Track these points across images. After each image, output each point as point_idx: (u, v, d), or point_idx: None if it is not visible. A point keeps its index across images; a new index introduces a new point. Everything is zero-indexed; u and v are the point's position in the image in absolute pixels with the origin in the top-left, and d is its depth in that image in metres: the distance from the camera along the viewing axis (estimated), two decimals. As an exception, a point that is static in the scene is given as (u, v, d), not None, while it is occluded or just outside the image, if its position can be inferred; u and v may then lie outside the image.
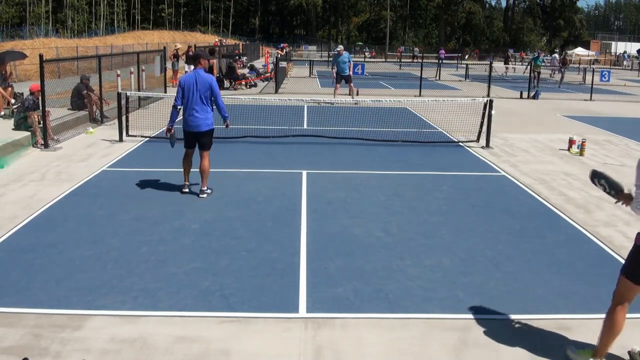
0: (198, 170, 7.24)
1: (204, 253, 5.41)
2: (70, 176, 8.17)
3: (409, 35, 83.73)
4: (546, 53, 55.32)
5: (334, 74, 17.73)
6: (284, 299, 4.50)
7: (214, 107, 7.22)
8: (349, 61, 17.87)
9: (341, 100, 15.72)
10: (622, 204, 3.57)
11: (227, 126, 7.55)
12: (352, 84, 17.95)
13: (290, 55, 37.60)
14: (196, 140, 7.21)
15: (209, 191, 7.33)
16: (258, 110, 14.79)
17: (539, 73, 25.03)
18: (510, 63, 40.70)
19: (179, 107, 7.10)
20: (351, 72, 17.98)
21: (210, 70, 16.96)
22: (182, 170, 7.46)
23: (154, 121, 12.35)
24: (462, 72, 33.63)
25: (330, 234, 6.00)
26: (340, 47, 18.23)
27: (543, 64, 26.59)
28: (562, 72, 28.75)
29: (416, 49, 64.81)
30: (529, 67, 24.27)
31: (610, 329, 3.55)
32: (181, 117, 7.34)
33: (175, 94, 7.13)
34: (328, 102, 16.55)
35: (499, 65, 34.67)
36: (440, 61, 38.07)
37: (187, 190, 7.42)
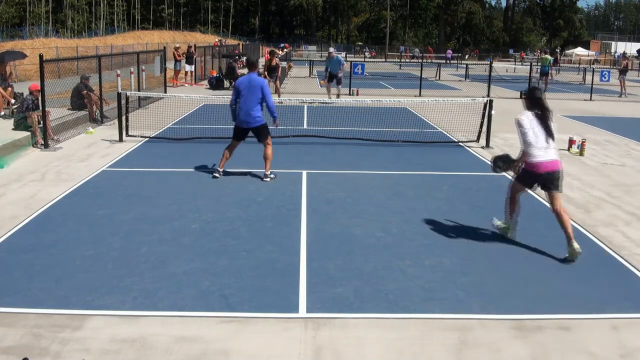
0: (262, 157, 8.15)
1: (204, 253, 5.41)
2: (70, 176, 8.17)
3: (409, 35, 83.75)
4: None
5: (324, 80, 18.01)
6: (284, 299, 4.50)
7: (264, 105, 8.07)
8: (341, 64, 18.06)
9: (341, 101, 15.71)
10: (521, 164, 5.35)
11: (276, 125, 8.27)
12: (340, 86, 18.10)
13: (291, 55, 37.59)
14: (247, 134, 8.18)
15: (272, 175, 8.10)
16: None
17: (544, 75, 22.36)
18: (558, 64, 34.75)
19: (233, 106, 8.09)
20: (341, 74, 18.12)
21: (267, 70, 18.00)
22: (222, 155, 8.25)
23: (154, 121, 12.36)
24: (462, 72, 33.64)
25: (330, 234, 6.00)
26: (331, 50, 18.36)
27: (550, 66, 22.61)
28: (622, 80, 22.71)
29: (416, 49, 64.75)
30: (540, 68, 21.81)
31: (511, 207, 5.81)
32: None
33: (231, 95, 8.15)
34: (325, 103, 16.55)
35: (499, 66, 34.56)
36: (448, 61, 38.10)
37: (217, 175, 8.16)
